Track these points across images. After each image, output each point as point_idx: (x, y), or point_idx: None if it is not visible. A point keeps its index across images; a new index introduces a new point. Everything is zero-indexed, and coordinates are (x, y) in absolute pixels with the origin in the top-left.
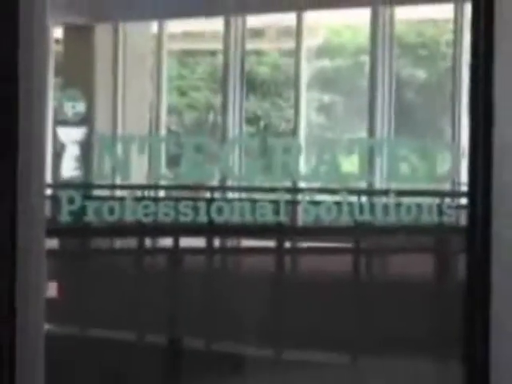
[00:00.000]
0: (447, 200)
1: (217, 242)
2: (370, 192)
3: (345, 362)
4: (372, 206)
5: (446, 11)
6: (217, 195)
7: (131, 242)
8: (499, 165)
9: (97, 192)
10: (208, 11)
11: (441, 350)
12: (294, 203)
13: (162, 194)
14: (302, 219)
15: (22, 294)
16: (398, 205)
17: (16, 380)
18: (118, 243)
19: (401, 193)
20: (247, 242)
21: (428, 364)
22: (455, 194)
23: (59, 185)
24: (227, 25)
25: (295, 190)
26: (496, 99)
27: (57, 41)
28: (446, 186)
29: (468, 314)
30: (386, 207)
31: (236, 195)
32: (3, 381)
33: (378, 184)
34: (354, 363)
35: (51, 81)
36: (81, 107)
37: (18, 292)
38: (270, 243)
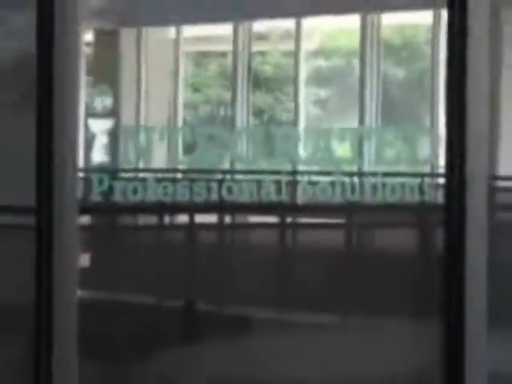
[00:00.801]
0: (427, 180)
1: (227, 218)
2: (360, 174)
3: (338, 321)
4: (362, 186)
5: (426, 17)
6: (227, 177)
7: (152, 218)
8: (472, 149)
9: (122, 175)
10: (219, 17)
11: (422, 311)
12: (293, 184)
13: (179, 176)
14: (300, 198)
15: (58, 265)
16: (384, 185)
17: (54, 339)
18: (141, 219)
19: (387, 174)
20: (253, 218)
21: (411, 322)
22: (434, 176)
23: (90, 168)
24: (235, 29)
25: (295, 172)
26: (469, 92)
27: (88, 44)
28: (426, 168)
29: (445, 278)
30: (374, 187)
31: (243, 177)
32: (42, 340)
33: (367, 167)
34: (346, 322)
35: (83, 79)
36: (108, 102)
37: (55, 263)
38: (273, 218)
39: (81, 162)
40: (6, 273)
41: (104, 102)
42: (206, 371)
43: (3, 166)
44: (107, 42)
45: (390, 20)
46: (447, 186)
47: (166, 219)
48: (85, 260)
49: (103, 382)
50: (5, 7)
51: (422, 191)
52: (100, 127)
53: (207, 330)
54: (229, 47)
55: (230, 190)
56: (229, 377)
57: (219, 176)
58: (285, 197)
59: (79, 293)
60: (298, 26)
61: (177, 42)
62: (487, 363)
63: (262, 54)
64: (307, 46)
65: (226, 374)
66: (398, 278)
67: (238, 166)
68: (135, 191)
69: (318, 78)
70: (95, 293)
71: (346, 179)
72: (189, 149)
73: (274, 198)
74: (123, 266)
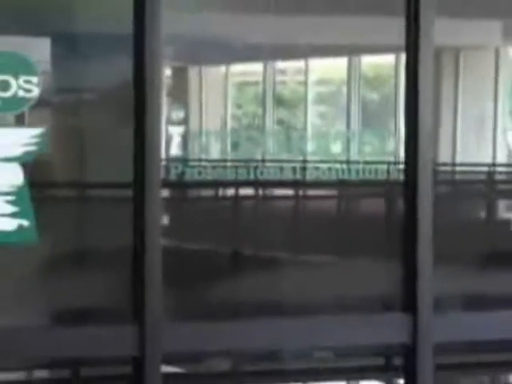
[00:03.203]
0: (392, 166)
1: (260, 191)
2: (348, 162)
3: (333, 259)
4: (349, 170)
5: (391, 58)
6: (260, 164)
7: (210, 192)
8: (422, 145)
9: (190, 163)
10: (253, 58)
11: (390, 251)
12: (304, 168)
13: (228, 164)
14: (308, 177)
15: (150, 223)
16: (364, 169)
17: (145, 273)
18: (202, 192)
19: (366, 162)
20: (277, 191)
21: (381, 259)
22: (397, 163)
23: (169, 159)
24: (265, 66)
25: (304, 161)
26: (419, 108)
27: (167, 77)
28: (392, 158)
29: (404, 229)
30: (357, 170)
31: (271, 164)
32: (138, 273)
33: (352, 157)
34: (338, 260)
35: (164, 99)
36: (181, 114)
37: (147, 221)
38: (291, 191)
39: (163, 154)
40: (112, 228)
41: (178, 114)
42: (247, 293)
43: (114, 157)
44: (180, 75)
45: (367, 60)
46: (405, 170)
47: (220, 192)
48: (164, 219)
49: (177, 301)
50: (118, 60)
51: (388, 173)
52: (175, 131)
53: (248, 268)
54: (260, 78)
55: (261, 173)
56: (261, 295)
57: (254, 164)
58: (298, 177)
59: (161, 241)
60: (307, 64)
61: (226, 75)
62: (432, 288)
63: (283, 82)
64: (312, 77)
65: (259, 294)
66: (372, 230)
67: (267, 157)
68: (199, 174)
69: (320, 99)
70: (171, 241)
71: (339, 165)
72: (234, 146)
73: (291, 177)
74: (190, 223)
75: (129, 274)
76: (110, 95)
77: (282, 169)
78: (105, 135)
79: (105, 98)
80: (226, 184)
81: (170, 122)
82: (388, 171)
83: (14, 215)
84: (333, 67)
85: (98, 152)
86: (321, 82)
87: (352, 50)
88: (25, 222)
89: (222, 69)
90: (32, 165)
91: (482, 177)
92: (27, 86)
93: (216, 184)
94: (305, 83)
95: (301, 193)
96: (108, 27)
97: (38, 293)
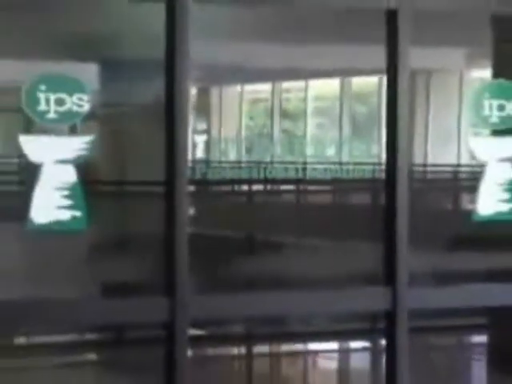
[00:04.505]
0: (376, 166)
1: (269, 187)
2: (340, 163)
3: (328, 242)
4: (341, 170)
5: (375, 79)
6: (268, 165)
7: (227, 188)
8: (400, 150)
9: (212, 164)
10: (263, 79)
11: (373, 234)
12: (304, 169)
13: (242, 165)
14: (308, 176)
15: (179, 214)
16: (354, 169)
17: (176, 257)
18: (221, 188)
19: (356, 164)
20: (283, 187)
21: (367, 241)
22: (380, 164)
23: (194, 161)
24: (273, 85)
25: (305, 163)
26: (398, 120)
27: (192, 95)
28: (376, 160)
29: (386, 217)
30: (347, 170)
31: (278, 165)
32: (169, 255)
33: (344, 159)
34: (332, 244)
35: (190, 113)
36: (203, 125)
37: (176, 212)
38: (294, 187)
39: (190, 158)
40: (149, 217)
41: (200, 125)
42: (261, 267)
43: (150, 160)
44: (203, 94)
45: (357, 80)
46: (387, 170)
47: (236, 188)
48: (190, 210)
49: (203, 275)
50: (152, 80)
51: (374, 172)
52: (200, 139)
53: (260, 248)
54: (269, 95)
55: (270, 172)
56: (273, 269)
57: (264, 165)
58: (300, 175)
59: (187, 228)
60: (307, 83)
61: (241, 93)
62: (408, 264)
63: (287, 99)
64: (311, 94)
65: (271, 268)
66: (360, 217)
67: (275, 159)
68: (219, 173)
69: (317, 112)
70: (196, 228)
71: (333, 166)
72: (248, 150)
73: (293, 176)
74: (211, 213)
75: (162, 255)
76: (145, 109)
77: (286, 169)
78: (142, 142)
79: (141, 111)
80: (240, 181)
81: (195, 131)
82: (373, 170)
83: (68, 207)
84: (328, 86)
85: (137, 155)
86: (318, 98)
87: (344, 72)
88: (77, 213)
89: (238, 88)
90: (83, 166)
91: (449, 175)
92: (79, 102)
93: (233, 181)
94: (305, 99)
95: (302, 188)
96: (145, 53)
97: (90, 269)
